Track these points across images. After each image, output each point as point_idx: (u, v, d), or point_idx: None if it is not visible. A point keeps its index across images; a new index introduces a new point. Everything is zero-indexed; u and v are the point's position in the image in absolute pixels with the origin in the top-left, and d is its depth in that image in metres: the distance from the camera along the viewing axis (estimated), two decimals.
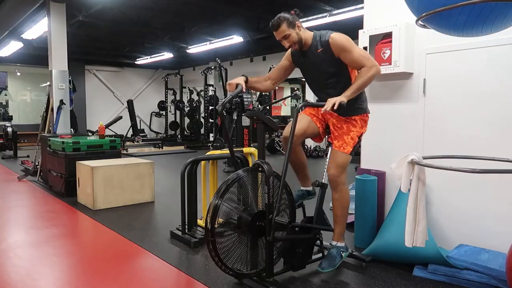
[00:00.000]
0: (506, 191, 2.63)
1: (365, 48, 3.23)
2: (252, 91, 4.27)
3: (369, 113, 2.78)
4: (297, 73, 2.99)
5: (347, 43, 2.52)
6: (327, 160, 2.73)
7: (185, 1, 7.59)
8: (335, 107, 2.38)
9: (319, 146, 10.07)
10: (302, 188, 2.96)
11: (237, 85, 2.62)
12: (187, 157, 3.90)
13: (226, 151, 3.86)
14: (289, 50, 2.81)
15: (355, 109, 2.67)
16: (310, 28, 2.70)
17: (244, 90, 2.63)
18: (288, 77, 3.01)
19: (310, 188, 2.94)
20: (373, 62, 2.49)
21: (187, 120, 14.14)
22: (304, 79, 2.93)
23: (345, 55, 2.52)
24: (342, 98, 2.40)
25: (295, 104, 17.25)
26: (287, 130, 2.72)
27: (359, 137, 2.74)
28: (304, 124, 2.74)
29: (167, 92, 14.70)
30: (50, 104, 7.14)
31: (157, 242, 3.45)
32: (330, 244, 2.77)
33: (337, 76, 2.64)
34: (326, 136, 2.87)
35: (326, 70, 2.63)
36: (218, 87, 12.70)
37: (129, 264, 3.01)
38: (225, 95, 10.34)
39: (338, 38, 2.53)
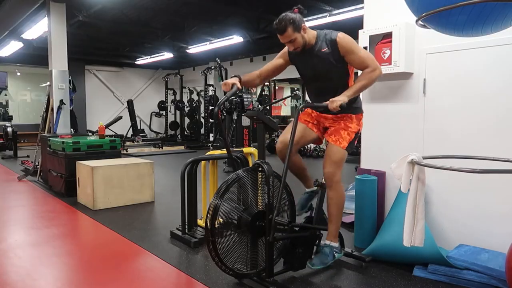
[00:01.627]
0: (506, 191, 2.63)
1: (365, 48, 3.23)
2: (252, 91, 4.27)
3: (363, 112, 2.78)
4: (297, 73, 2.98)
5: (353, 45, 2.53)
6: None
7: (185, 1, 7.59)
8: (336, 109, 2.40)
9: (319, 147, 10.07)
10: (307, 190, 2.93)
11: (232, 85, 2.60)
12: (187, 157, 3.90)
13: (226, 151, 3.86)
14: (286, 48, 2.74)
15: (351, 108, 2.65)
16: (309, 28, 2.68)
17: (239, 89, 2.63)
18: (289, 77, 3.01)
19: (314, 188, 2.91)
20: (376, 64, 2.51)
21: (187, 120, 14.14)
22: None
23: (351, 57, 2.53)
24: (344, 98, 2.41)
25: (295, 104, 17.25)
26: (282, 137, 2.73)
27: (356, 134, 2.70)
28: (298, 133, 2.70)
29: (167, 92, 14.69)
30: (50, 104, 7.13)
31: (157, 242, 3.45)
32: (324, 243, 2.76)
33: (336, 80, 2.62)
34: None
35: (329, 70, 2.60)
36: (218, 87, 12.70)
37: (129, 264, 3.01)
38: (225, 95, 10.33)
39: (345, 38, 2.53)
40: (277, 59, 2.83)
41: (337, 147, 2.64)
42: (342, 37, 2.53)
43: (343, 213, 2.77)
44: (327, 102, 2.46)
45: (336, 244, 2.73)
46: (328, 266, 2.74)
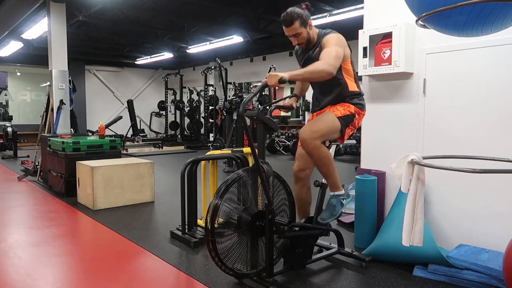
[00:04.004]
0: (506, 191, 2.62)
1: (365, 48, 3.23)
2: (251, 90, 4.29)
3: (363, 110, 2.76)
4: None
5: (332, 40, 2.50)
6: None
7: (185, 1, 7.60)
8: (275, 85, 2.32)
9: None
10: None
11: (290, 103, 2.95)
12: (187, 157, 3.91)
13: (226, 151, 3.86)
14: (295, 48, 2.82)
15: (350, 100, 2.68)
16: None
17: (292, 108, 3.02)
18: None
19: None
20: (330, 62, 2.38)
21: (187, 120, 14.15)
22: None
23: (323, 51, 2.50)
24: (284, 74, 2.30)
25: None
26: (297, 163, 2.76)
27: (351, 116, 2.63)
28: (302, 157, 2.71)
29: (167, 92, 14.70)
30: (50, 104, 7.14)
31: (157, 242, 3.45)
32: (330, 195, 2.73)
33: (329, 80, 2.53)
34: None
35: None
36: (218, 87, 12.69)
37: (129, 264, 3.01)
38: (225, 95, 10.34)
39: (330, 36, 2.54)
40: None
41: (329, 113, 2.60)
42: (328, 35, 2.54)
43: (344, 213, 2.74)
44: (265, 79, 2.33)
45: (342, 191, 2.70)
46: (339, 214, 2.70)
